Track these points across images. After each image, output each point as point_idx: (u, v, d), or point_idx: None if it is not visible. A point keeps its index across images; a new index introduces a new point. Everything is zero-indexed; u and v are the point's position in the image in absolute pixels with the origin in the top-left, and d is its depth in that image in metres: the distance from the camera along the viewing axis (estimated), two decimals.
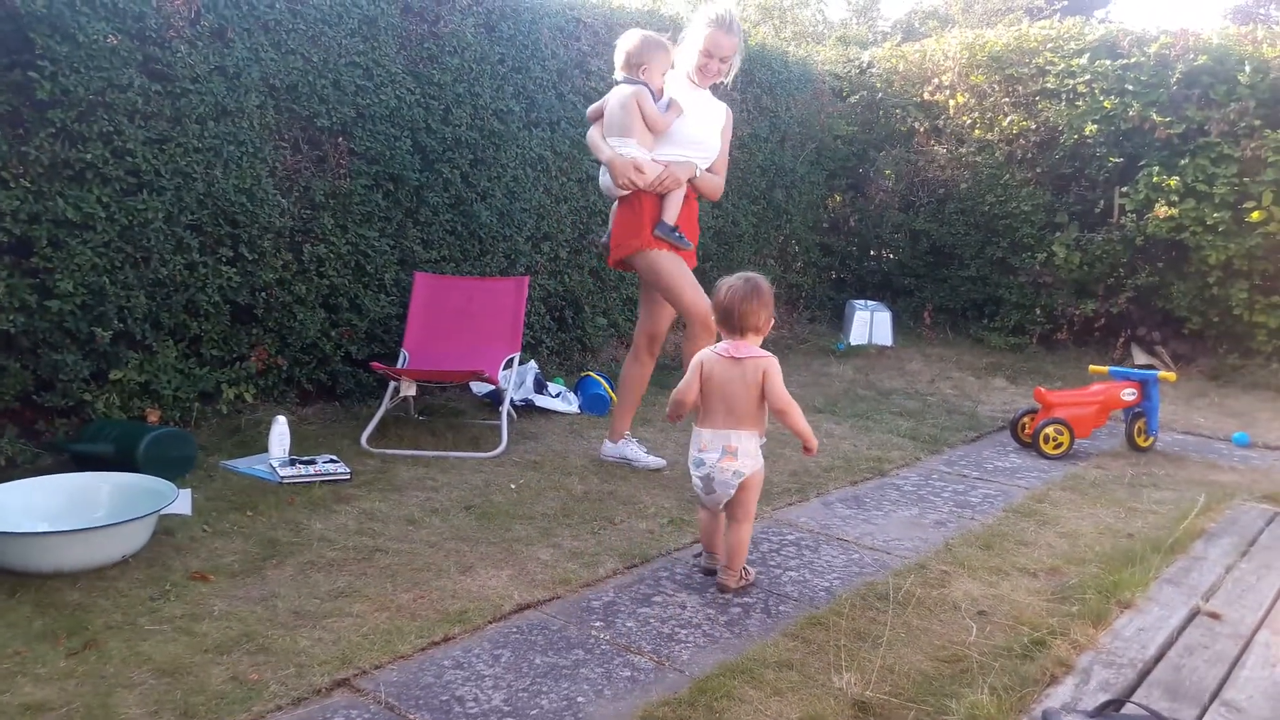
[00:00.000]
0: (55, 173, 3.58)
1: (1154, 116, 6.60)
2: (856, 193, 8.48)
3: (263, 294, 4.33)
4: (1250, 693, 2.19)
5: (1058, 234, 7.17)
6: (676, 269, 3.78)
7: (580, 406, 5.03)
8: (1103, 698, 2.11)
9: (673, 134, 3.77)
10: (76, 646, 2.28)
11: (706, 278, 3.73)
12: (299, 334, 4.47)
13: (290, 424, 3.87)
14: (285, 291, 4.40)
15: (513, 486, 3.70)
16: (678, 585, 2.84)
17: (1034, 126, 7.30)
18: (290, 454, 3.78)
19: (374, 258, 4.73)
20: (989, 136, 7.56)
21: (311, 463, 3.70)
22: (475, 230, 5.21)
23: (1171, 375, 4.89)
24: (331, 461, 3.74)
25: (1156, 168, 6.61)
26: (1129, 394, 4.69)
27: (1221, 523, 3.48)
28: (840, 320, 7.98)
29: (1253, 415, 5.58)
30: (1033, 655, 2.38)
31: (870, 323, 7.45)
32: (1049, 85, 7.21)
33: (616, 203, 3.89)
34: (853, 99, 8.34)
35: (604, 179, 3.85)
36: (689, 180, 3.82)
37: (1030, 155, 7.37)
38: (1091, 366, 5.28)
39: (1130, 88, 6.76)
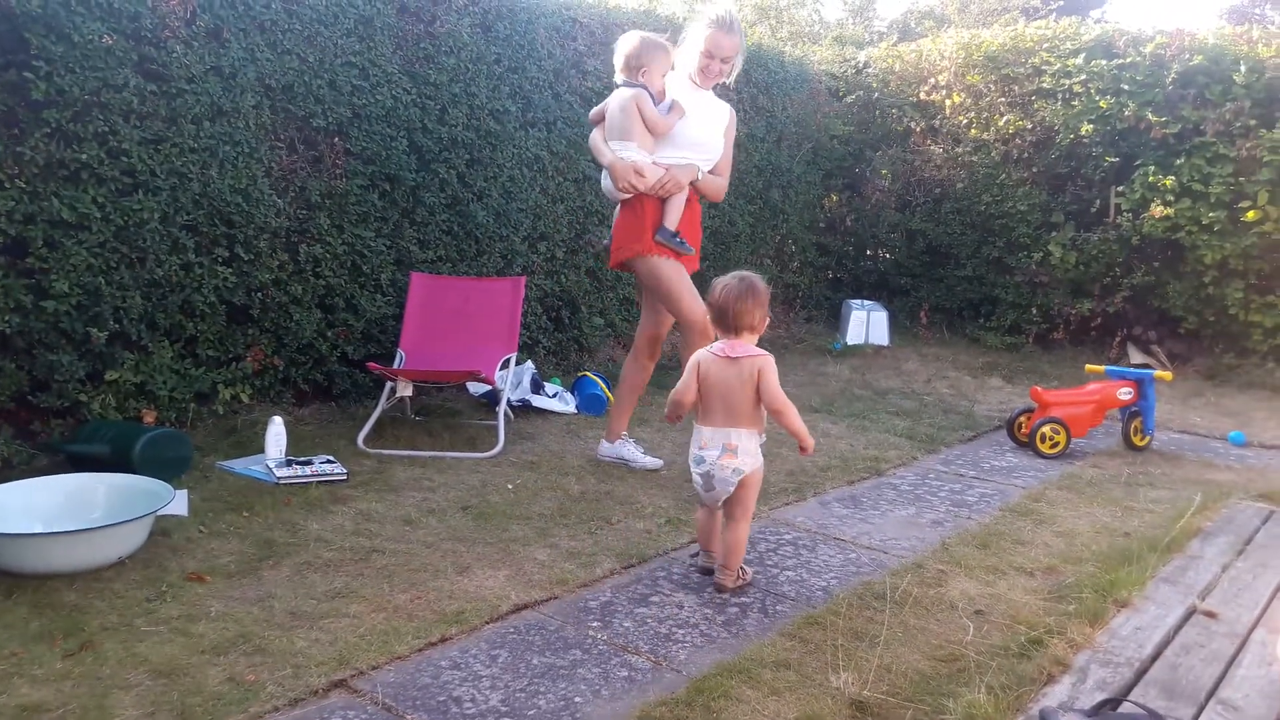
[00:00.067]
0: (50, 173, 3.57)
1: (1150, 116, 6.61)
2: (853, 192, 8.49)
3: (259, 294, 4.32)
4: (1247, 691, 2.19)
5: (1054, 233, 7.18)
6: (676, 275, 3.78)
7: (577, 406, 5.03)
8: (1100, 696, 2.11)
9: (674, 136, 3.76)
10: (73, 648, 2.27)
11: (703, 278, 3.71)
12: (295, 334, 4.46)
13: (286, 424, 3.86)
14: (281, 292, 4.40)
15: (510, 487, 3.70)
16: (675, 585, 2.84)
17: (1030, 126, 7.31)
18: (287, 455, 3.77)
19: (370, 258, 4.73)
20: (985, 136, 7.56)
21: (308, 463, 3.69)
22: (472, 230, 5.20)
23: (1167, 375, 4.90)
24: (328, 462, 3.74)
25: (1152, 167, 6.63)
26: (1125, 393, 4.70)
27: (1218, 521, 3.49)
28: (837, 320, 7.99)
29: (1248, 414, 5.59)
30: (1030, 654, 2.38)
31: (867, 322, 7.46)
32: (1045, 85, 7.21)
33: (619, 205, 3.89)
34: (849, 99, 8.35)
35: (606, 182, 3.85)
36: (691, 183, 3.82)
37: (1026, 155, 7.38)
38: (1088, 366, 5.29)
39: (1126, 87, 6.77)
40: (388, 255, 4.82)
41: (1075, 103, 7.02)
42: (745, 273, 2.84)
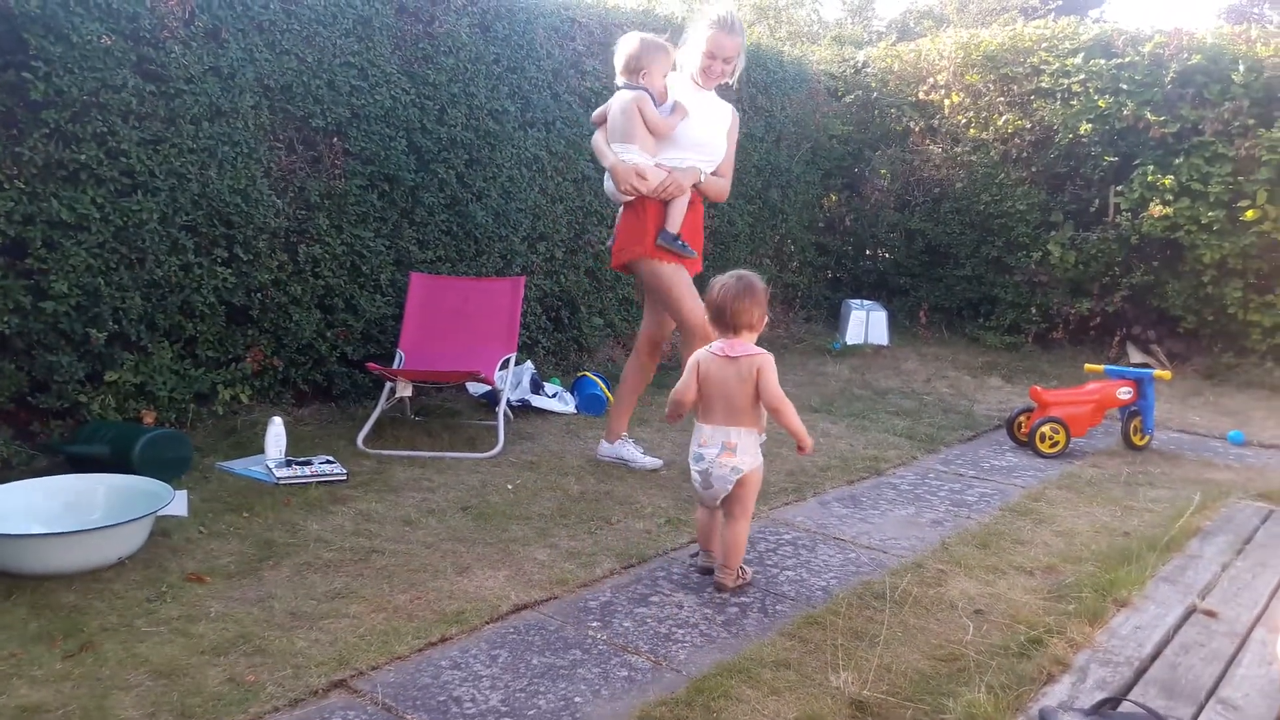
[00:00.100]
0: (49, 174, 3.57)
1: (1149, 116, 6.61)
2: (852, 192, 8.49)
3: (258, 295, 4.32)
4: (1246, 690, 2.19)
5: (1053, 233, 7.18)
6: (677, 278, 3.78)
7: (577, 407, 5.03)
8: (1099, 696, 2.11)
9: (677, 137, 3.75)
10: (73, 648, 2.27)
11: (702, 278, 3.71)
12: (295, 335, 4.46)
13: (286, 425, 3.86)
14: (281, 292, 4.40)
15: (509, 487, 3.70)
16: (675, 585, 2.84)
17: (1029, 126, 7.31)
18: (286, 455, 3.77)
19: (369, 258, 4.73)
20: (984, 136, 7.57)
21: (308, 464, 3.69)
22: (471, 230, 5.20)
23: (1167, 374, 4.90)
24: (328, 462, 3.74)
25: (1151, 167, 6.63)
26: (1125, 393, 4.70)
27: (1217, 521, 3.49)
28: (836, 320, 7.99)
29: (1247, 414, 5.60)
30: (1029, 654, 2.38)
31: (866, 322, 7.46)
32: (1044, 84, 7.22)
33: (622, 207, 3.88)
34: (848, 99, 8.35)
35: (608, 185, 3.84)
36: (694, 185, 3.81)
37: (1025, 154, 7.38)
38: (1087, 365, 5.29)
39: (1125, 87, 6.77)
40: (387, 255, 4.82)
41: (1074, 102, 7.02)
42: (743, 271, 2.85)
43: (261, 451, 3.79)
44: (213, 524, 3.12)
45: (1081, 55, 7.01)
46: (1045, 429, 4.53)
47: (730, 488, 2.75)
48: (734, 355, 2.75)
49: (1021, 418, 4.76)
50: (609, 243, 4.05)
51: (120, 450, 3.40)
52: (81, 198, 3.62)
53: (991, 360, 6.96)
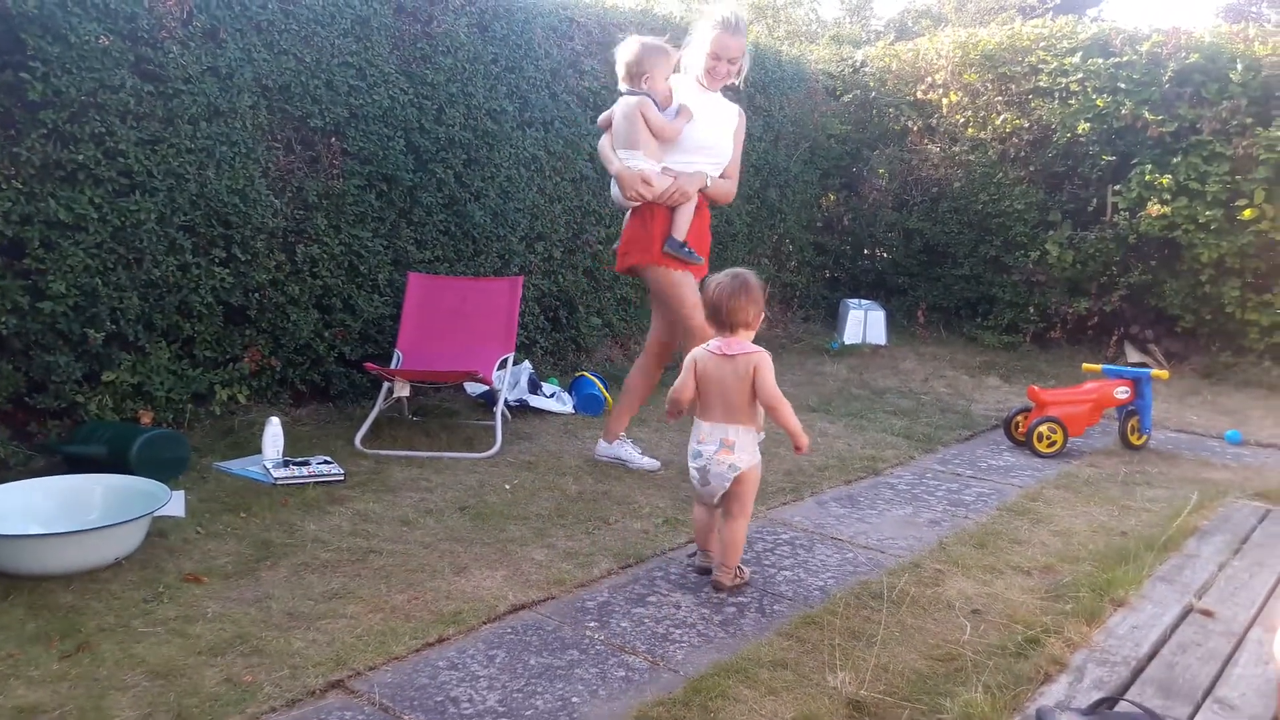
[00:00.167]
0: (47, 174, 3.56)
1: (1146, 115, 6.62)
2: (850, 192, 8.49)
3: (256, 295, 4.32)
4: (1243, 690, 2.20)
5: (1051, 232, 7.18)
6: (682, 284, 3.77)
7: (575, 407, 5.03)
8: (1096, 695, 2.11)
9: (682, 140, 3.74)
10: (69, 649, 2.27)
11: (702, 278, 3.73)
12: (292, 335, 4.46)
13: (284, 425, 3.86)
14: (278, 292, 4.39)
15: (507, 487, 3.70)
16: (672, 585, 2.84)
17: (1027, 125, 7.32)
18: (284, 455, 3.77)
19: (367, 258, 4.72)
20: (982, 135, 7.57)
21: (305, 464, 3.69)
22: (469, 230, 5.20)
23: (1164, 373, 4.90)
24: (325, 463, 3.74)
25: (1149, 166, 6.63)
26: (1122, 392, 4.71)
27: (1214, 520, 3.49)
28: (834, 319, 7.99)
29: (1245, 413, 5.60)
30: (1027, 653, 2.38)
31: (864, 322, 7.47)
32: (1042, 84, 7.22)
33: (628, 212, 3.87)
34: (846, 98, 8.35)
35: (614, 190, 3.83)
36: (700, 190, 3.80)
37: (1023, 154, 7.38)
38: (1085, 365, 5.29)
39: (1123, 86, 6.77)
40: (385, 255, 4.82)
41: (1072, 101, 7.02)
42: (739, 270, 2.85)
43: (259, 452, 3.79)
44: (210, 524, 3.12)
45: (1079, 54, 7.02)
46: (1043, 428, 4.53)
47: (728, 485, 2.75)
48: (731, 353, 2.76)
49: (1019, 417, 4.76)
50: (614, 246, 4.04)
51: (117, 450, 3.40)
52: (79, 198, 3.62)
53: (989, 360, 6.96)
